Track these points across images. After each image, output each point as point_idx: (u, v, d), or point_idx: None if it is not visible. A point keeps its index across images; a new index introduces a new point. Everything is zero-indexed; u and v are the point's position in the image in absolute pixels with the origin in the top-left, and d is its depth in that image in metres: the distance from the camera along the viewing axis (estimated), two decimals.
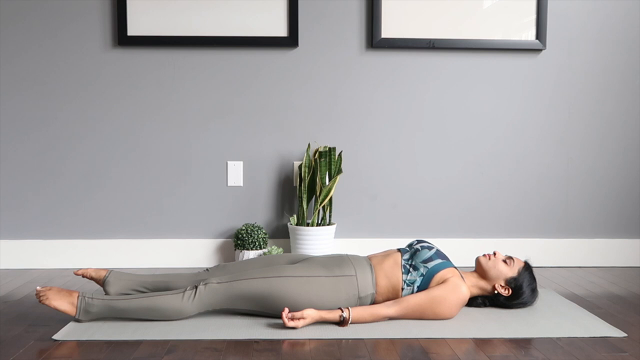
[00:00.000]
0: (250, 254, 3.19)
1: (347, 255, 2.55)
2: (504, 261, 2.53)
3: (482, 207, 3.45)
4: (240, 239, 3.21)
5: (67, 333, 2.24)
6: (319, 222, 3.31)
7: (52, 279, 3.09)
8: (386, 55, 3.38)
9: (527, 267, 2.55)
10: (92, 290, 2.75)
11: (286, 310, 2.30)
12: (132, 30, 3.29)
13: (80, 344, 2.16)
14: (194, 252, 3.38)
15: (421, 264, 2.45)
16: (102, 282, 2.51)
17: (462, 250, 3.36)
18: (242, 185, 3.40)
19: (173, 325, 2.33)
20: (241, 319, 2.41)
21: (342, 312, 2.34)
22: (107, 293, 2.49)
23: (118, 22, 3.28)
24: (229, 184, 3.39)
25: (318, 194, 3.23)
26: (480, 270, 2.55)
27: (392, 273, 2.45)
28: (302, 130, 3.40)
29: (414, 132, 3.42)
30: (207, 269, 2.59)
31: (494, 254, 2.56)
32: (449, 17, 3.35)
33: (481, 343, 2.20)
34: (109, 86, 3.34)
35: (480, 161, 3.44)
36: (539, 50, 3.39)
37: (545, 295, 2.76)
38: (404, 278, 2.44)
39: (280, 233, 3.42)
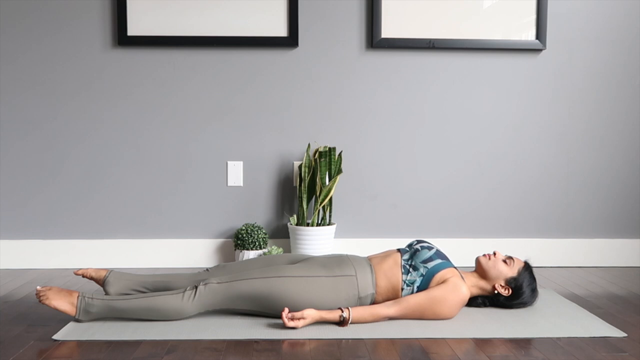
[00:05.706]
0: (250, 254, 3.19)
1: (347, 255, 2.55)
2: (504, 261, 2.53)
3: (482, 207, 3.45)
4: (240, 239, 3.21)
5: (67, 333, 2.24)
6: (319, 222, 3.31)
7: (52, 279, 3.09)
8: (386, 55, 3.38)
9: (527, 267, 2.55)
10: (92, 290, 2.75)
11: (286, 310, 2.30)
12: (132, 30, 3.29)
13: (80, 344, 2.16)
14: (194, 252, 3.38)
15: (421, 264, 2.45)
16: (102, 282, 2.51)
17: (462, 250, 3.36)
18: (242, 185, 3.40)
19: (173, 325, 2.33)
20: (241, 319, 2.41)
21: (342, 312, 2.33)
22: (107, 293, 2.49)
23: (118, 22, 3.28)
24: (229, 184, 3.39)
25: (318, 194, 3.23)
26: (480, 270, 2.55)
27: (392, 273, 2.45)
28: (302, 130, 3.40)
29: (414, 132, 3.42)
30: (207, 269, 2.59)
31: (494, 254, 2.56)
32: (449, 17, 3.35)
33: (481, 343, 2.20)
34: (108, 86, 3.34)
35: (480, 161, 3.44)
36: (539, 50, 3.39)
37: (545, 295, 2.76)
38: (404, 278, 2.44)
39: (280, 233, 3.42)
